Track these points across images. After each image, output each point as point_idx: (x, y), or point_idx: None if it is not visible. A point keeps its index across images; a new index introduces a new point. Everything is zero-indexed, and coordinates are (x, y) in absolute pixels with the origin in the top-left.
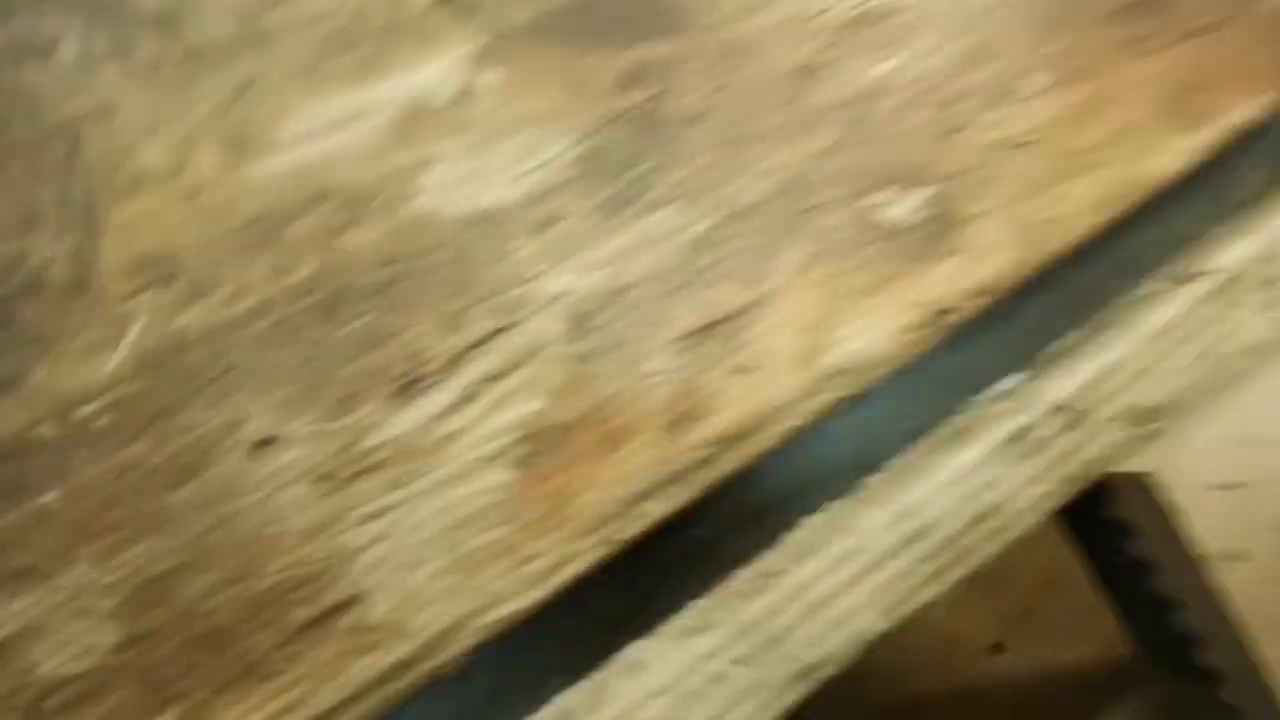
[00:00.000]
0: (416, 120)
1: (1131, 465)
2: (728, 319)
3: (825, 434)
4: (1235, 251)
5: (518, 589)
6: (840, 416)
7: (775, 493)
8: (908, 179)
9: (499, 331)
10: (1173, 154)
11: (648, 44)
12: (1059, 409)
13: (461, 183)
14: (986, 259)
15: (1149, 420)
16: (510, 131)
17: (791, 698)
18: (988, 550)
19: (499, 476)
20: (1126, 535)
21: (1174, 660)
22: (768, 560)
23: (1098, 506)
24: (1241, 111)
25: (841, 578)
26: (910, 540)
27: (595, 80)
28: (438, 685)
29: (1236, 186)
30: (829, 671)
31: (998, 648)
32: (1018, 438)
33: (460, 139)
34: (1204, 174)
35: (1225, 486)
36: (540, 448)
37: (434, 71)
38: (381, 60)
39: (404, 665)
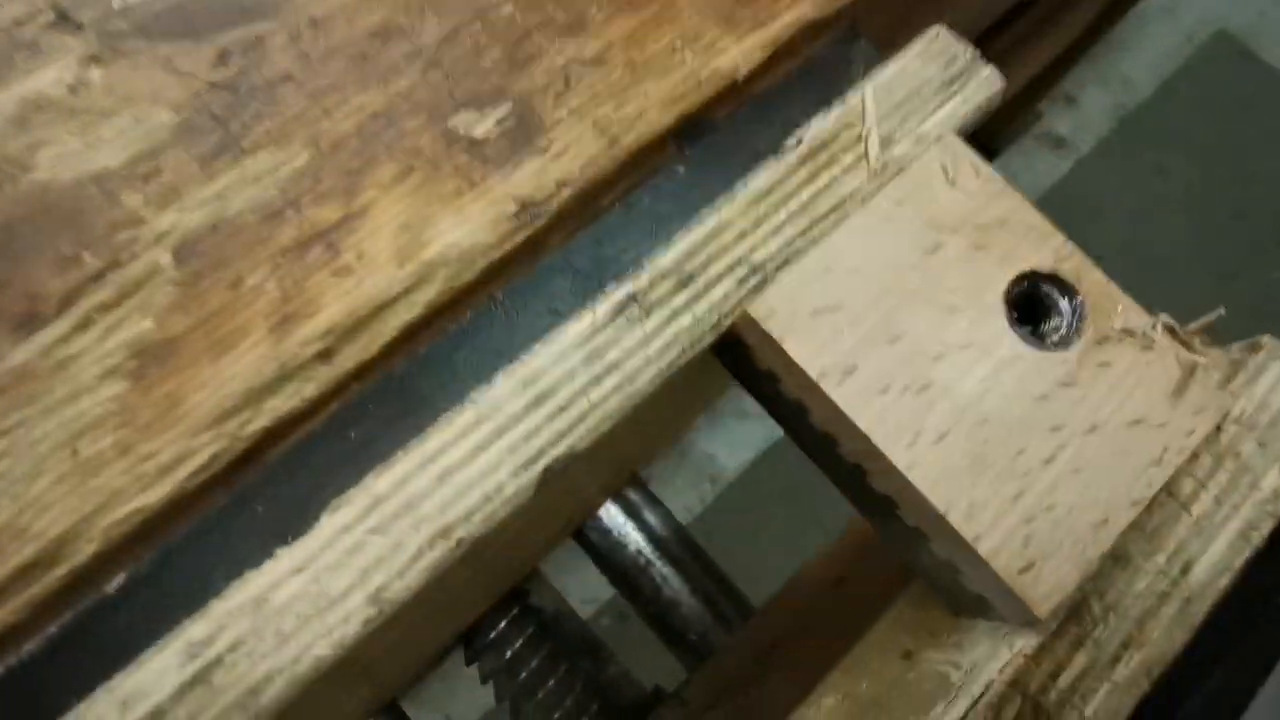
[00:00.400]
0: (33, 113)
1: (743, 312)
2: (325, 232)
3: (469, 328)
4: (825, 123)
5: (139, 486)
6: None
7: (420, 387)
8: (486, 101)
9: (110, 268)
10: (736, 53)
11: (238, 29)
12: (669, 274)
13: (73, 156)
14: (566, 155)
15: (754, 273)
16: (116, 112)
17: (432, 556)
18: (615, 403)
19: (114, 389)
20: (773, 379)
21: (856, 493)
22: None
23: (746, 359)
24: (794, 10)
25: (470, 444)
26: (534, 404)
27: (191, 63)
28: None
29: (824, 73)
30: (467, 531)
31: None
32: (627, 303)
33: (72, 123)
34: (793, 67)
35: (816, 312)
36: (152, 360)
37: (49, 74)
38: (2, 74)
39: (32, 567)
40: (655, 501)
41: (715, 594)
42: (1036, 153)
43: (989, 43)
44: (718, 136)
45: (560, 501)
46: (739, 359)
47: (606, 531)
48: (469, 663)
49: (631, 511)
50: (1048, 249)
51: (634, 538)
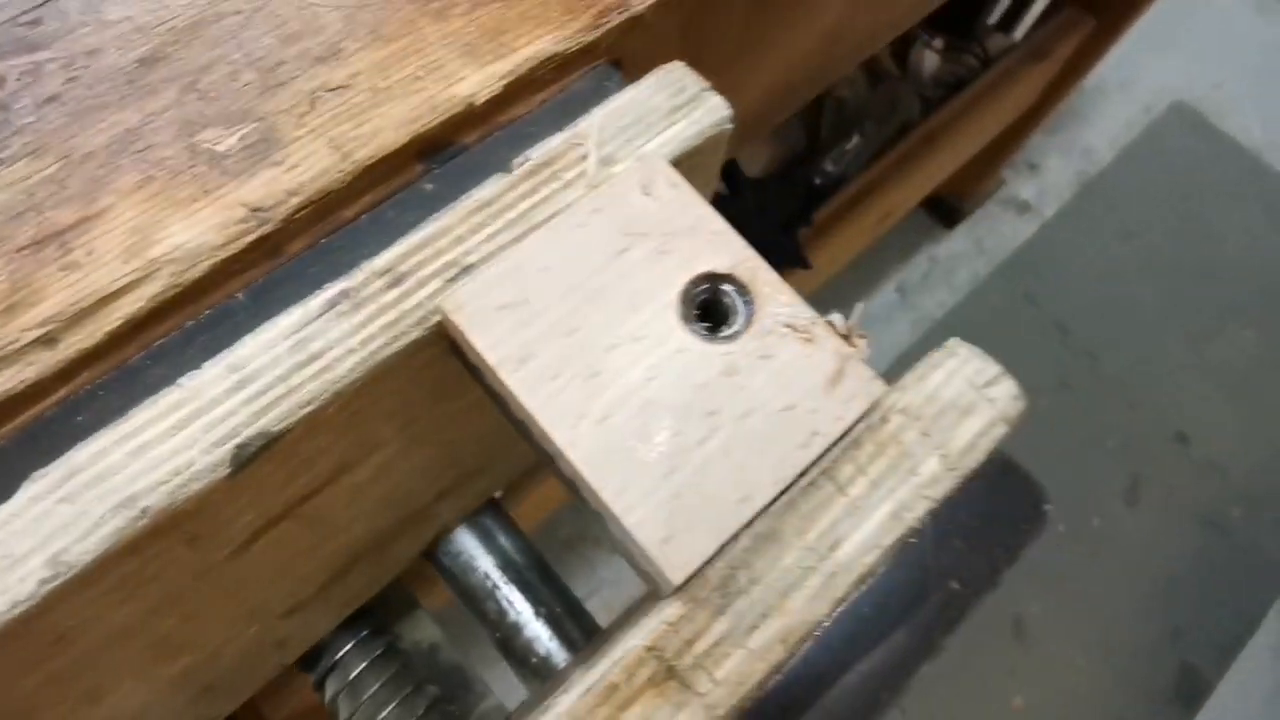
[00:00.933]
0: None
1: (438, 307)
2: (61, 232)
3: (205, 324)
4: (553, 143)
5: None
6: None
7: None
8: (234, 120)
9: None
10: (474, 81)
11: (20, 58)
12: (383, 274)
13: None
14: (299, 168)
15: (464, 274)
16: None
17: (115, 523)
18: (313, 388)
19: None
20: (477, 372)
21: (554, 472)
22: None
23: (463, 356)
24: (535, 46)
25: (169, 423)
26: (236, 388)
27: None
28: None
29: (576, 104)
30: (153, 500)
31: None
32: (339, 299)
33: None
34: (548, 98)
35: (503, 306)
36: None
37: None
38: None
39: None
40: (511, 527)
41: (562, 617)
42: (1002, 217)
43: (940, 105)
44: (466, 159)
45: (376, 518)
46: (462, 357)
47: (457, 554)
48: (315, 687)
49: (484, 535)
50: (727, 253)
51: (484, 561)
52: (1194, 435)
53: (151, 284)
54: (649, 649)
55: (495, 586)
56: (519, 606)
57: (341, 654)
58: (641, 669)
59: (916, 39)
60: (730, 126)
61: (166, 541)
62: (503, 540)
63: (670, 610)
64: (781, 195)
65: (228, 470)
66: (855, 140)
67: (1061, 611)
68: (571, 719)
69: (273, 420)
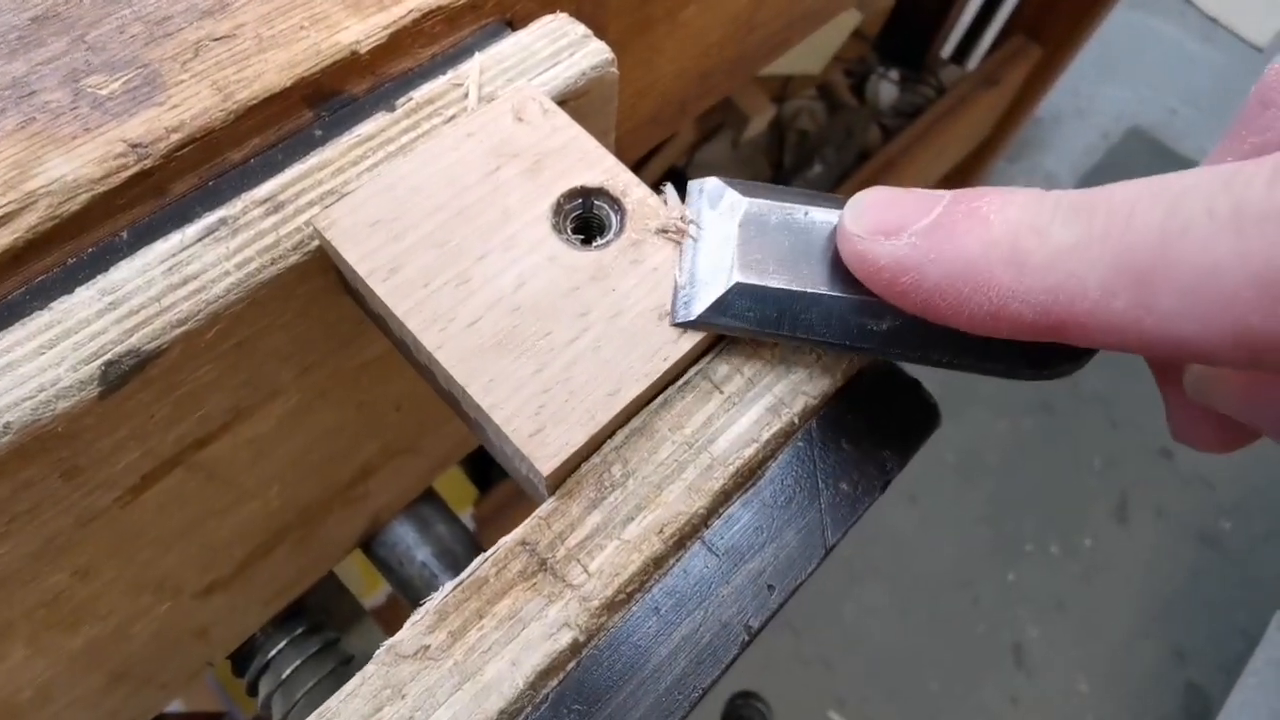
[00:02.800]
0: None
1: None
2: None
3: (87, 261)
4: (436, 84)
5: None
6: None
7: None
8: (119, 68)
9: None
10: (358, 30)
11: None
12: (262, 202)
13: None
14: (180, 108)
15: (337, 200)
16: None
17: None
18: (186, 307)
19: None
20: (359, 296)
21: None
22: None
23: (347, 285)
24: None
25: (37, 343)
26: (108, 309)
27: None
28: None
29: (464, 55)
30: (16, 416)
31: None
32: (217, 225)
33: None
34: (438, 51)
35: (375, 222)
36: None
37: None
38: None
39: None
40: (449, 515)
41: None
42: None
43: (897, 134)
44: (355, 107)
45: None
46: (347, 288)
47: (394, 545)
48: (248, 691)
49: (421, 524)
50: (598, 169)
51: (422, 551)
52: (1178, 450)
53: (28, 215)
54: (520, 543)
55: (434, 575)
56: None
57: (274, 652)
58: (512, 562)
59: (872, 71)
60: (613, 71)
61: (38, 467)
62: (441, 529)
63: (543, 505)
64: None
65: (97, 389)
66: (817, 168)
67: (1061, 636)
68: (440, 614)
69: (144, 339)
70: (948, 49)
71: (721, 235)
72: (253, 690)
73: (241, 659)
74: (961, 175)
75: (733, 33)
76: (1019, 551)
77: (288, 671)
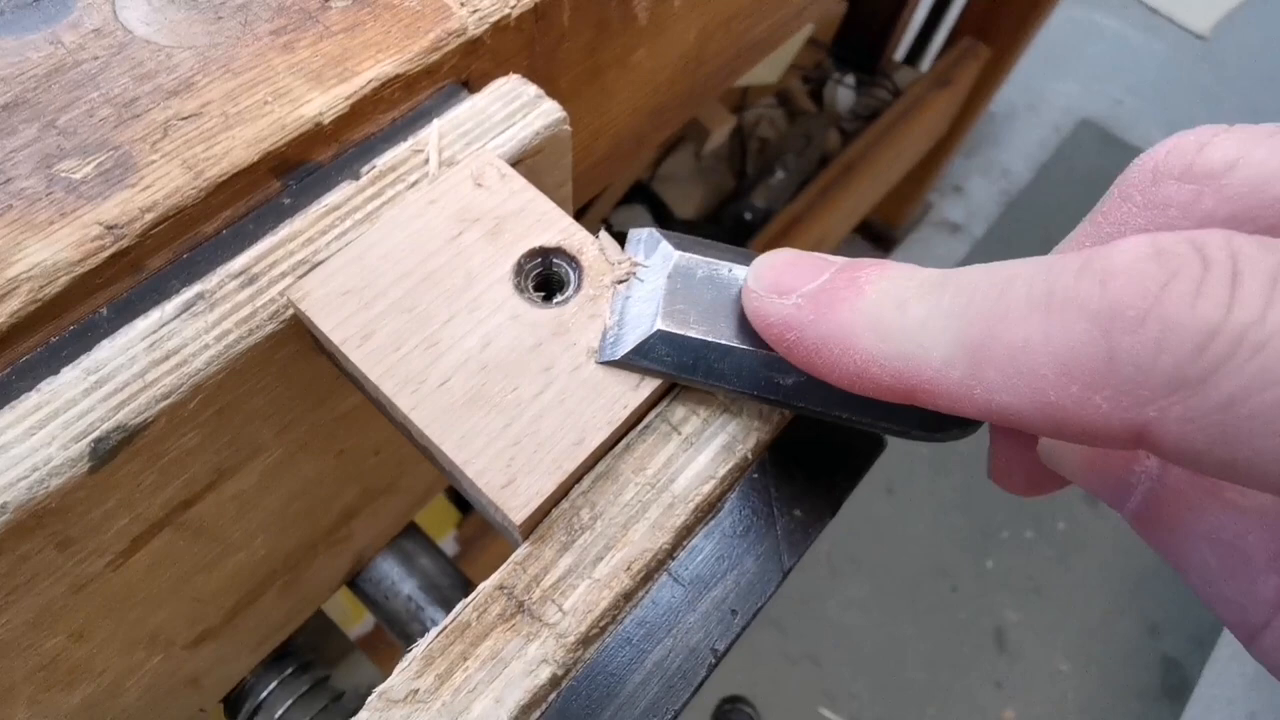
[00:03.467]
0: None
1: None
2: None
3: (70, 339)
4: (398, 151)
5: None
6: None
7: (14, 392)
8: (90, 151)
9: None
10: (320, 102)
11: None
12: (237, 275)
13: None
14: (152, 187)
15: (309, 269)
16: None
17: None
18: (170, 381)
19: None
20: (335, 359)
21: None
22: None
23: (322, 349)
24: (377, 68)
25: (27, 424)
26: (94, 388)
27: None
28: None
29: (423, 120)
30: (12, 496)
31: None
32: (194, 300)
33: None
34: (397, 116)
35: (346, 292)
36: None
37: None
38: None
39: None
40: (432, 548)
41: None
42: (935, 238)
43: (856, 138)
44: (321, 174)
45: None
46: (322, 349)
47: (379, 581)
48: None
49: (404, 558)
50: (555, 229)
51: (407, 584)
52: None
53: (11, 301)
54: (499, 588)
55: (419, 608)
56: None
57: (266, 694)
58: (492, 606)
59: (829, 77)
60: (566, 129)
61: (34, 542)
62: (424, 562)
63: (518, 551)
64: (714, 234)
65: (88, 464)
66: (779, 175)
67: (1040, 619)
68: (426, 659)
69: (130, 414)
70: (900, 52)
71: (652, 285)
72: None
73: (234, 704)
74: (921, 173)
75: (682, 69)
76: (995, 538)
77: (280, 712)
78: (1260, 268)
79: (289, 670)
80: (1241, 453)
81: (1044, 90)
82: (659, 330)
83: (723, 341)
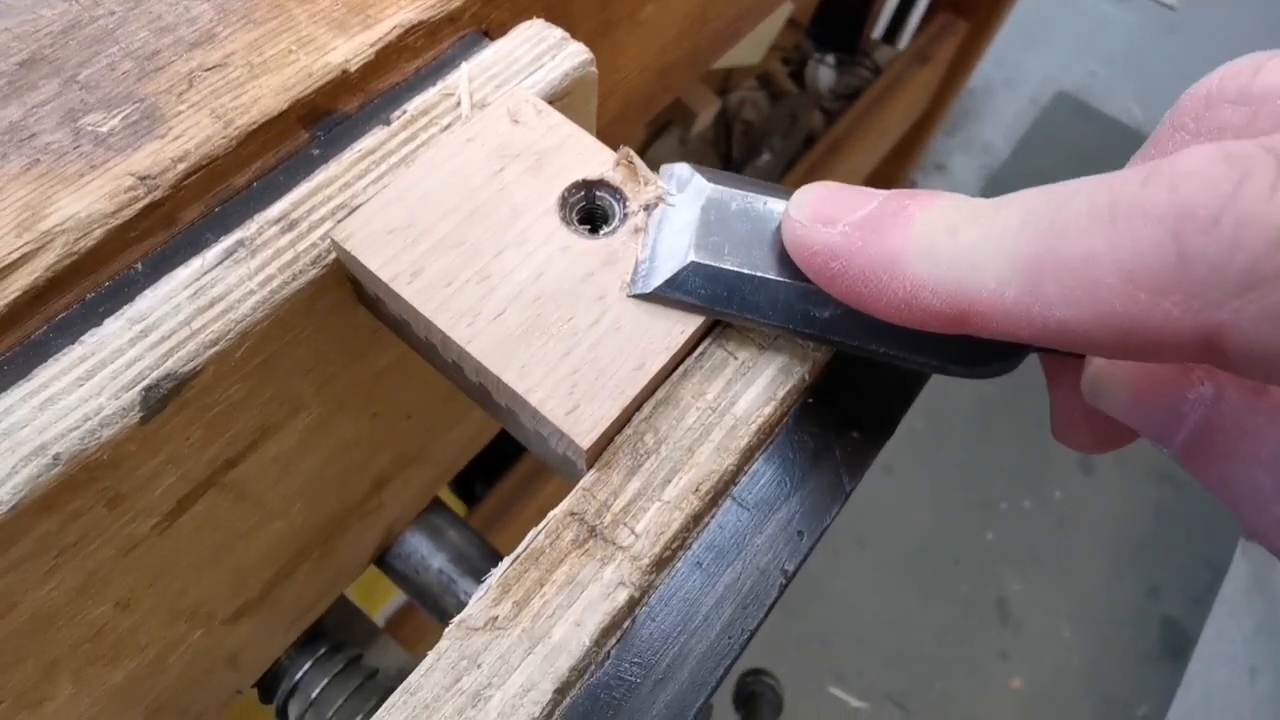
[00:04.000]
0: None
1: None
2: None
3: (106, 294)
4: (428, 96)
5: None
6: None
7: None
8: (115, 104)
9: None
10: (345, 50)
11: None
12: (276, 221)
13: None
14: (183, 138)
15: (349, 213)
16: None
17: (28, 471)
18: (216, 328)
19: None
20: (378, 302)
21: (458, 381)
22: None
23: (364, 293)
24: (400, 15)
25: (74, 375)
26: (139, 337)
27: None
28: None
29: (447, 67)
30: (64, 447)
31: None
32: (235, 248)
33: None
34: (421, 65)
35: (391, 230)
36: None
37: None
38: None
39: None
40: (458, 521)
41: None
42: None
43: (840, 115)
44: (350, 124)
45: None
46: (363, 297)
47: (409, 556)
48: (279, 717)
49: (433, 532)
50: (595, 161)
51: (437, 558)
52: None
53: (47, 254)
54: (570, 514)
55: (451, 580)
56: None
57: (301, 674)
58: (564, 532)
59: (809, 57)
60: (593, 70)
61: (85, 498)
62: (453, 535)
63: (585, 478)
64: None
65: (139, 414)
66: (765, 157)
67: (1042, 587)
68: (503, 587)
69: (179, 361)
70: (879, 30)
71: (685, 217)
72: (283, 714)
73: (268, 685)
74: (904, 152)
75: (688, 28)
76: (994, 510)
77: (316, 691)
78: None
79: (322, 650)
80: None
81: (1020, 64)
82: (692, 262)
83: (758, 273)
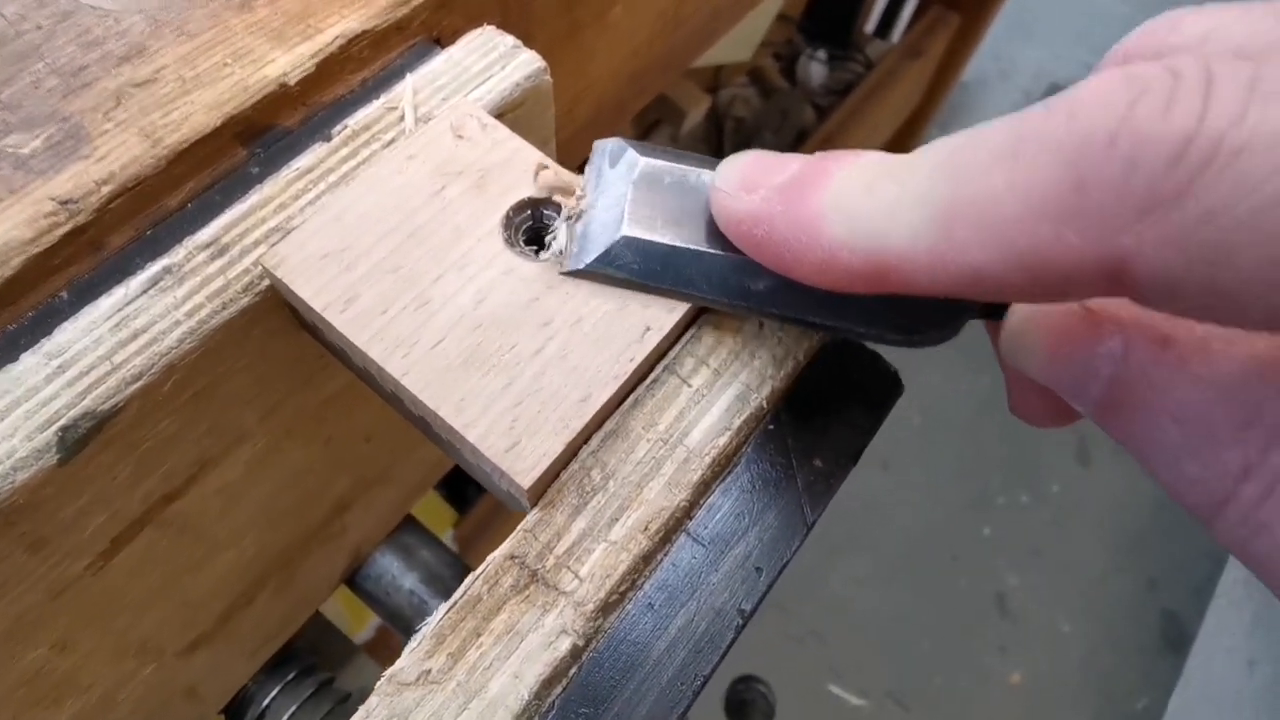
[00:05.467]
0: None
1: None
2: None
3: (29, 326)
4: (370, 109)
5: None
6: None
7: None
8: (38, 124)
9: None
10: (284, 62)
11: None
12: (205, 246)
13: None
14: (108, 159)
15: (283, 236)
16: None
17: None
18: (140, 362)
19: None
20: (316, 330)
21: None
22: None
23: (302, 320)
24: (342, 24)
25: None
26: (57, 373)
27: None
28: None
29: (395, 79)
30: None
31: None
32: (161, 275)
33: None
34: (368, 76)
35: (325, 255)
36: None
37: None
38: None
39: None
40: (431, 539)
41: None
42: None
43: (832, 110)
44: (290, 140)
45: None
46: (303, 323)
47: (379, 577)
48: None
49: (404, 552)
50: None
51: (408, 579)
52: None
53: None
54: (510, 557)
55: (423, 601)
56: None
57: (268, 701)
58: (504, 577)
59: (801, 53)
60: (547, 79)
61: (2, 543)
62: (424, 554)
63: (528, 518)
64: None
65: (55, 456)
66: None
67: (1040, 581)
68: (437, 637)
69: (99, 399)
70: (871, 24)
71: (617, 192)
72: None
73: (235, 713)
74: (897, 146)
75: (660, 29)
76: (991, 504)
77: (284, 718)
78: (1236, 72)
79: (291, 675)
80: (1224, 275)
81: (1013, 57)
82: (624, 236)
83: (692, 246)
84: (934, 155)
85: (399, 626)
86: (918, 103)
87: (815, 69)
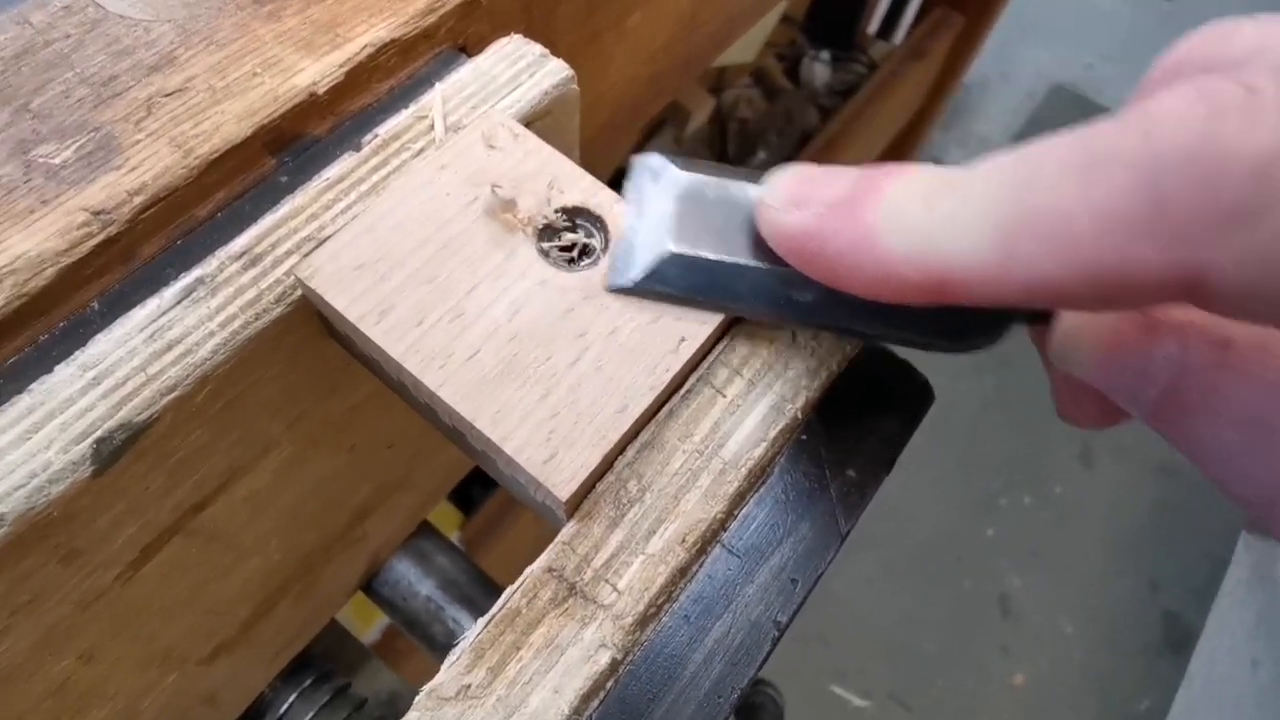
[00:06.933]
0: None
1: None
2: None
3: (62, 336)
4: (400, 119)
5: None
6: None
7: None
8: (69, 134)
9: None
10: (313, 71)
11: None
12: (238, 257)
13: None
14: (140, 169)
15: (315, 246)
16: None
17: None
18: (175, 373)
19: None
20: (349, 341)
21: (435, 422)
22: None
23: (334, 330)
24: (371, 33)
25: (21, 428)
26: (91, 385)
27: None
28: None
29: (423, 87)
30: (10, 507)
31: None
32: (195, 286)
33: None
34: (395, 85)
35: (359, 265)
36: None
37: None
38: None
39: None
40: (448, 546)
41: None
42: None
43: (836, 112)
44: (318, 149)
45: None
46: (333, 333)
47: (396, 583)
48: None
49: (420, 558)
50: (577, 189)
51: (425, 585)
52: None
53: None
54: (548, 570)
55: (440, 607)
56: (466, 624)
57: (285, 708)
58: (542, 591)
59: (804, 54)
60: (574, 87)
61: (36, 556)
62: (441, 560)
63: (565, 530)
64: None
65: (90, 468)
66: (761, 155)
67: (1042, 582)
68: (476, 652)
69: (134, 410)
70: (874, 25)
71: (661, 208)
72: None
73: None
74: (900, 147)
75: (678, 34)
76: (994, 506)
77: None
78: None
79: (308, 681)
80: None
81: (1016, 58)
82: (670, 252)
83: (737, 260)
84: (994, 169)
85: (416, 633)
86: (921, 104)
87: (819, 70)
